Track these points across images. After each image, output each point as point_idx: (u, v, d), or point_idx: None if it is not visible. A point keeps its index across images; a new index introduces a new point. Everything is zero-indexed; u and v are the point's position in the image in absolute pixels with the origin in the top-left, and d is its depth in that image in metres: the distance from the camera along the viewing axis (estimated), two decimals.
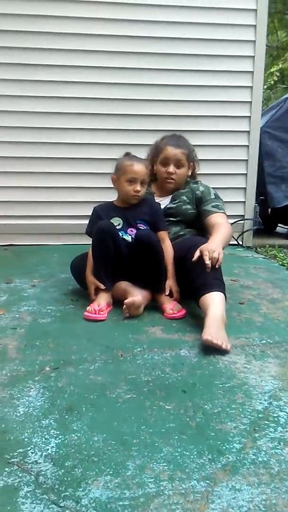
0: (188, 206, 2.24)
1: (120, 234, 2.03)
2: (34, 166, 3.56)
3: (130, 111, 3.59)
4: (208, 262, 1.78)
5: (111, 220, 2.06)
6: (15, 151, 3.52)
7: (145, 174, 2.05)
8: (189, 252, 1.87)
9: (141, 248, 1.94)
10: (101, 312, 1.89)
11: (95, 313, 1.88)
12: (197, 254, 1.82)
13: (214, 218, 2.17)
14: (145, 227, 2.06)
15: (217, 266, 1.81)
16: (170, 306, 1.94)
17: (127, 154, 2.12)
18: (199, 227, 2.25)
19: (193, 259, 1.81)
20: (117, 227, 2.05)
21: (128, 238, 2.03)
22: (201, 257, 1.80)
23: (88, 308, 1.91)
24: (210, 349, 1.54)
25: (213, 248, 1.84)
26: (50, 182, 3.60)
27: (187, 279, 1.90)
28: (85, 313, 1.89)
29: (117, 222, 2.07)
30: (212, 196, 2.26)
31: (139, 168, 2.03)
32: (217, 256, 1.81)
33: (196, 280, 1.82)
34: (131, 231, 2.05)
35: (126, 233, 2.05)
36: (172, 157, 2.23)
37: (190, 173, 2.33)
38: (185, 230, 2.24)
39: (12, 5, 3.35)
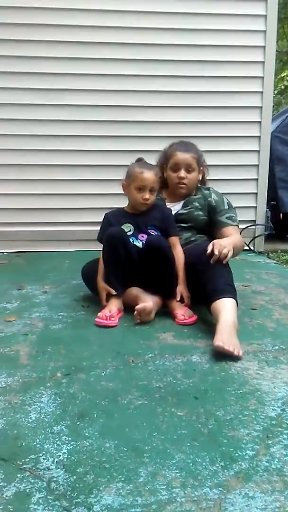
0: (200, 213, 2.24)
1: (131, 240, 2.03)
2: (44, 173, 3.59)
3: (140, 117, 3.61)
4: (216, 253, 1.81)
5: (122, 227, 2.07)
6: (25, 158, 3.55)
7: (154, 181, 2.05)
8: (201, 258, 1.87)
9: (152, 254, 1.94)
10: (112, 318, 1.89)
11: (106, 319, 1.88)
12: (210, 247, 1.85)
13: (228, 231, 2.20)
14: (156, 233, 2.06)
15: (224, 262, 1.84)
16: (182, 312, 1.93)
17: (139, 160, 2.13)
18: (210, 234, 2.25)
19: (207, 252, 1.83)
20: (128, 233, 2.05)
21: (139, 244, 2.03)
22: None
23: (99, 314, 1.92)
24: (222, 355, 1.53)
25: (224, 244, 1.88)
26: (61, 189, 3.62)
27: (198, 284, 1.90)
28: (96, 319, 1.89)
29: (128, 228, 2.08)
30: (226, 206, 2.26)
31: (148, 176, 2.03)
32: (226, 252, 1.85)
33: (207, 285, 1.82)
34: (142, 237, 2.05)
35: (137, 239, 2.06)
36: (182, 162, 2.24)
37: (200, 178, 2.33)
38: (196, 236, 2.24)
39: (14, 15, 3.39)
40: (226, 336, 1.56)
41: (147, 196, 2.04)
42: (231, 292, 1.80)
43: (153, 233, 2.06)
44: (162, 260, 1.94)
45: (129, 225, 2.09)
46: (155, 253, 1.94)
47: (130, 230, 2.08)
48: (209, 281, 1.82)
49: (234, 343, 1.56)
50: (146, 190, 2.03)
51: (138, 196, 2.05)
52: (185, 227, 2.22)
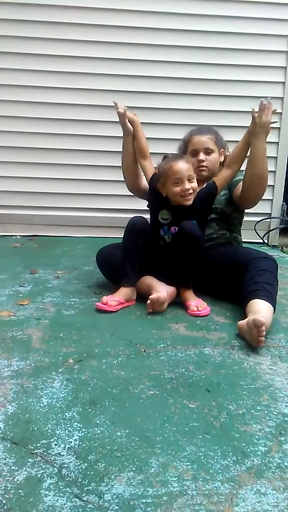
0: (221, 193, 2.15)
1: (162, 231, 2.02)
2: (60, 157, 3.56)
3: (155, 104, 3.56)
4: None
5: (161, 213, 2.03)
6: (40, 142, 3.54)
7: (188, 169, 1.94)
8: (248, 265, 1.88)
9: (183, 238, 1.91)
10: (111, 303, 1.88)
11: (105, 304, 1.87)
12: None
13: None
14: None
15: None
16: (195, 303, 1.92)
17: (164, 158, 2.05)
18: (231, 223, 2.23)
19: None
20: (165, 222, 2.02)
21: (168, 237, 2.01)
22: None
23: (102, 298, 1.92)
24: (235, 348, 1.52)
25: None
26: (76, 175, 3.60)
27: (231, 282, 1.87)
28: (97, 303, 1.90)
29: (166, 215, 2.03)
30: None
31: (180, 166, 1.93)
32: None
33: (253, 284, 1.79)
34: (175, 229, 1.99)
35: (169, 230, 2.01)
36: (200, 145, 2.17)
37: (222, 159, 2.24)
38: (218, 232, 2.17)
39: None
40: (266, 319, 1.56)
41: (187, 186, 1.92)
42: (274, 301, 1.77)
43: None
44: (191, 245, 1.91)
45: (169, 213, 2.03)
46: (186, 238, 1.90)
47: (167, 219, 2.02)
48: (254, 281, 1.79)
49: (266, 329, 1.55)
50: (184, 180, 1.93)
51: (178, 190, 1.94)
52: None
